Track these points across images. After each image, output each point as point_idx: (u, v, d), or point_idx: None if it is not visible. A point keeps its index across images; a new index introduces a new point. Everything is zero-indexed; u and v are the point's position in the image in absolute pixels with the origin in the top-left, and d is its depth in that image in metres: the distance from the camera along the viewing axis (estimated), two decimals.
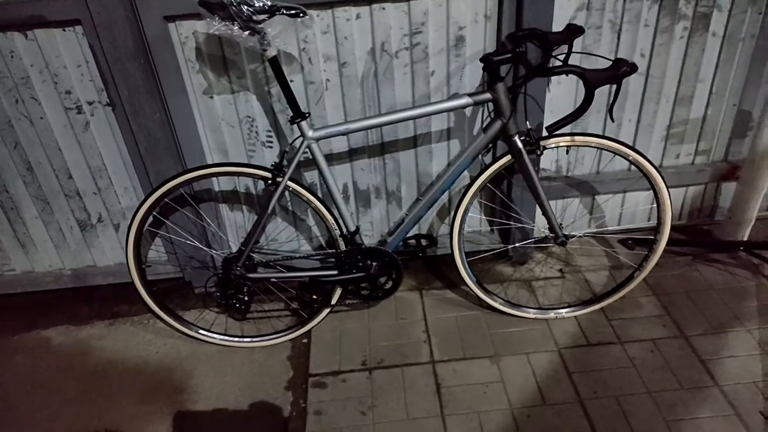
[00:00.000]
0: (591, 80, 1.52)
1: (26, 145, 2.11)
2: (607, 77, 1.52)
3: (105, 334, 2.31)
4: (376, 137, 2.18)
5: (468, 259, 2.10)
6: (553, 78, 2.10)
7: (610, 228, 2.48)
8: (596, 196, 2.41)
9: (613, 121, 1.71)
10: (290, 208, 2.34)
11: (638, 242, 2.45)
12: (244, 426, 1.88)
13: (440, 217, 2.44)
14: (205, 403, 1.97)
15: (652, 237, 2.02)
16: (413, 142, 2.21)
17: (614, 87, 1.58)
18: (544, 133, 1.90)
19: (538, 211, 2.27)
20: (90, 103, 2.03)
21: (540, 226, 2.19)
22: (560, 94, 2.14)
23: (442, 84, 2.08)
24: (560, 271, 2.41)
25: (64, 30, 1.88)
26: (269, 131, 2.14)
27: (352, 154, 2.22)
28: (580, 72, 1.52)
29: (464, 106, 1.76)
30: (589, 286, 2.31)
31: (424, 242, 2.19)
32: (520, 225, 2.29)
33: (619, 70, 1.51)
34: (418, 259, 2.49)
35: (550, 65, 1.59)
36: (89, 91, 2.00)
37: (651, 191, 1.95)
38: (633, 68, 1.51)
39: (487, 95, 1.74)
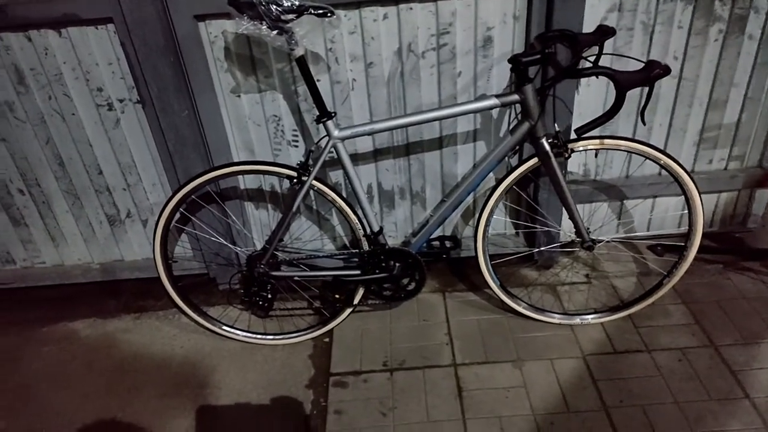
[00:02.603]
0: (622, 82, 1.48)
1: (58, 141, 2.15)
2: (639, 79, 1.49)
3: (131, 328, 2.34)
4: (401, 138, 2.18)
5: (492, 262, 2.08)
6: (583, 80, 2.07)
7: (638, 234, 2.43)
8: (625, 201, 2.36)
9: (644, 124, 1.68)
10: (314, 207, 2.34)
11: (667, 249, 2.40)
12: (266, 423, 1.89)
13: (464, 219, 2.42)
14: (227, 399, 1.99)
15: (682, 244, 1.97)
16: (439, 143, 2.20)
17: (646, 90, 1.55)
18: (572, 136, 1.87)
19: (565, 214, 2.24)
20: (121, 101, 2.06)
21: (566, 230, 2.16)
22: (589, 97, 2.11)
23: (468, 85, 2.06)
24: (586, 276, 2.37)
25: (96, 28, 1.91)
26: (295, 130, 2.15)
27: (377, 155, 2.22)
28: (611, 74, 1.49)
29: (491, 108, 1.74)
30: (616, 293, 2.27)
31: (448, 244, 2.18)
32: (545, 228, 2.26)
33: (652, 73, 1.48)
34: (442, 260, 2.47)
35: (580, 67, 1.56)
36: (120, 89, 2.04)
37: (682, 197, 1.90)
38: (666, 71, 1.47)
39: (515, 97, 1.72)
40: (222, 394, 2.01)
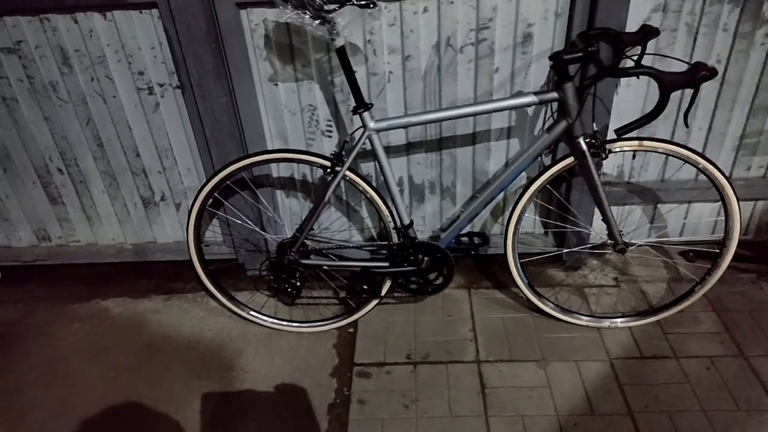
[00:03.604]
0: (667, 83, 1.46)
1: (98, 122, 2.20)
2: (684, 81, 1.46)
3: (161, 309, 2.39)
4: (434, 132, 2.17)
5: (520, 261, 2.07)
6: (623, 80, 2.04)
7: (671, 239, 2.39)
8: (659, 205, 2.33)
9: (687, 126, 1.65)
10: (344, 198, 2.35)
11: (700, 255, 2.36)
12: (290, 408, 1.92)
13: (493, 216, 2.41)
14: (253, 383, 2.02)
15: (715, 251, 1.94)
16: (472, 139, 2.19)
17: (687, 91, 1.52)
18: (610, 136, 1.85)
19: (596, 216, 2.22)
20: (161, 85, 2.10)
21: (598, 231, 2.14)
22: (629, 97, 2.08)
23: (505, 81, 2.05)
24: (615, 279, 2.34)
25: (141, 12, 1.95)
26: (329, 121, 2.16)
27: (409, 148, 2.22)
28: (655, 74, 1.47)
29: (529, 105, 1.73)
30: (646, 297, 2.24)
31: (476, 240, 2.17)
32: (576, 229, 2.24)
33: (698, 74, 1.45)
34: (470, 256, 2.47)
35: (623, 66, 1.54)
36: (161, 73, 2.07)
37: (717, 203, 1.87)
38: (712, 73, 1.45)
39: (554, 94, 1.71)
40: (248, 378, 2.04)
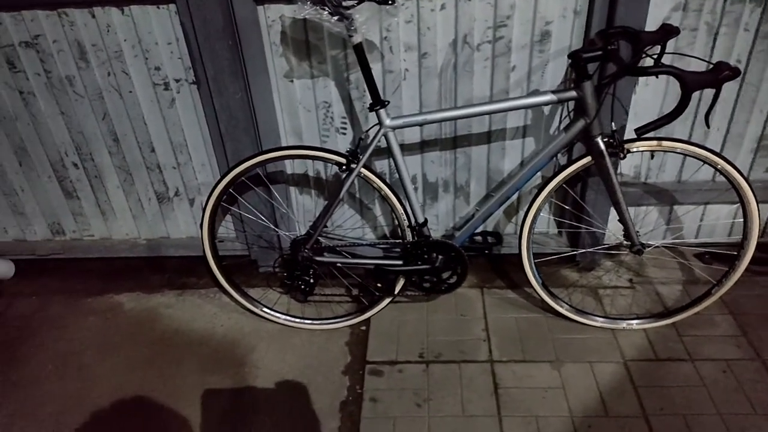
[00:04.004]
0: (689, 83, 1.45)
1: (114, 117, 2.20)
2: (706, 81, 1.45)
3: (173, 304, 2.40)
4: (449, 130, 2.16)
5: (534, 261, 2.06)
6: (641, 79, 2.02)
7: (688, 240, 2.37)
8: (675, 206, 2.30)
9: (708, 127, 1.63)
10: (358, 195, 2.35)
11: (716, 257, 2.34)
12: (303, 405, 1.92)
13: (507, 216, 2.40)
14: (265, 379, 2.02)
15: (732, 253, 1.92)
16: (487, 137, 2.18)
17: (706, 91, 1.50)
18: (627, 136, 1.83)
19: (612, 216, 2.21)
20: (177, 81, 2.10)
21: (613, 232, 2.13)
22: (646, 97, 2.06)
23: (522, 80, 2.04)
24: (630, 281, 2.32)
25: (158, 7, 1.95)
26: (344, 118, 2.16)
27: (423, 146, 2.21)
28: (678, 73, 1.45)
29: (548, 103, 1.72)
30: (661, 299, 2.22)
31: (490, 239, 2.16)
32: (591, 229, 2.22)
33: (720, 74, 1.43)
34: (482, 256, 2.46)
35: (644, 65, 1.52)
36: (177, 69, 2.07)
37: (734, 205, 1.85)
38: (735, 73, 1.43)
39: (573, 93, 1.69)
40: (260, 374, 2.04)
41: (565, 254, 2.35)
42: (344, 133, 2.19)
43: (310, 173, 2.30)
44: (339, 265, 2.09)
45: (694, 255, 2.40)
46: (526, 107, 1.75)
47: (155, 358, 2.15)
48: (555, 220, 2.38)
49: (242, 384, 2.01)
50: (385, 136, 1.82)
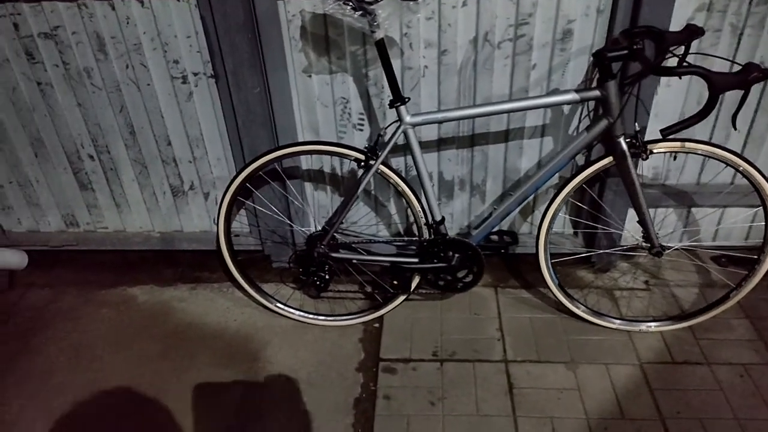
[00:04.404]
0: (717, 84, 1.43)
1: (131, 110, 2.20)
2: (735, 82, 1.43)
3: (186, 297, 2.40)
4: (467, 128, 2.15)
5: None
6: (662, 81, 2.01)
7: (707, 243, 2.35)
8: (692, 209, 2.29)
9: (735, 129, 1.61)
10: (373, 192, 2.34)
11: (732, 261, 2.32)
12: (316, 401, 1.91)
13: (522, 215, 2.38)
14: (278, 375, 2.02)
15: (749, 257, 1.90)
16: (505, 136, 2.16)
17: (729, 93, 1.49)
18: (648, 137, 1.81)
19: (630, 217, 2.19)
20: (195, 74, 2.09)
21: (632, 233, 2.11)
22: (668, 98, 2.04)
23: (542, 78, 2.03)
24: (646, 283, 2.31)
25: (178, 0, 1.94)
26: (362, 114, 2.15)
27: (440, 144, 2.20)
28: (706, 74, 1.44)
29: (570, 102, 1.71)
30: (677, 302, 2.20)
31: (506, 239, 2.15)
32: (609, 230, 2.20)
33: (749, 76, 1.42)
34: (496, 255, 2.44)
35: (671, 65, 1.51)
36: (196, 63, 2.07)
37: (753, 209, 1.83)
38: (765, 74, 1.41)
39: (596, 93, 1.68)
40: (274, 369, 2.04)
41: (583, 255, 2.33)
42: (361, 130, 2.18)
43: (326, 169, 2.29)
44: (354, 261, 2.08)
45: (710, 258, 2.38)
46: (549, 106, 1.74)
47: (168, 351, 2.15)
48: (571, 220, 2.37)
49: (256, 379, 2.00)
50: (405, 133, 1.81)
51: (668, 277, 2.33)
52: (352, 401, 1.91)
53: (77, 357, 2.14)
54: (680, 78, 1.94)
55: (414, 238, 2.04)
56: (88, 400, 1.96)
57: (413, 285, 2.09)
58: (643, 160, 1.75)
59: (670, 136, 1.66)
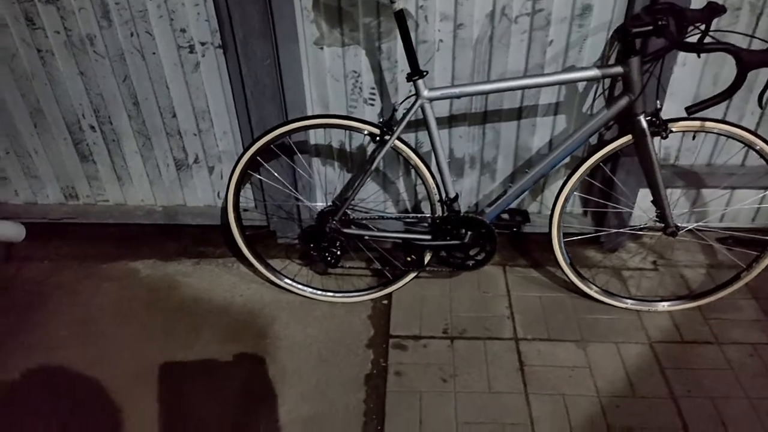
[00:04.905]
0: (746, 61, 1.41)
1: (135, 80, 2.14)
2: (763, 60, 1.41)
3: (191, 272, 2.36)
4: (479, 105, 2.12)
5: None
6: (679, 59, 1.98)
7: (720, 224, 2.34)
8: (702, 190, 2.28)
9: (762, 108, 1.60)
10: (382, 168, 2.30)
11: (739, 242, 2.32)
12: (327, 377, 1.90)
13: (532, 194, 2.37)
14: (287, 351, 2.00)
15: (759, 238, 1.91)
16: (518, 113, 2.13)
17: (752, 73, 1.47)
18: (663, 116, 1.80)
19: (641, 197, 2.19)
20: (203, 44, 2.03)
21: (645, 212, 2.10)
22: (683, 76, 2.02)
23: (559, 55, 1.99)
24: (654, 263, 2.31)
25: None
26: (373, 89, 2.10)
27: (452, 121, 2.16)
28: (735, 51, 1.41)
29: (592, 79, 1.68)
30: (685, 282, 2.21)
31: (518, 218, 2.13)
32: (623, 210, 2.19)
33: None
34: (507, 234, 2.43)
35: (698, 41, 1.48)
36: (203, 32, 2.00)
37: (761, 191, 1.82)
38: None
39: (619, 69, 1.65)
40: (282, 345, 2.02)
41: (594, 235, 2.32)
42: (372, 104, 2.14)
43: (335, 144, 2.25)
44: (366, 238, 2.05)
45: (716, 239, 2.38)
46: (570, 82, 1.71)
47: (174, 326, 2.12)
48: (581, 199, 2.35)
49: (265, 354, 1.99)
50: (422, 107, 1.77)
51: (676, 258, 2.33)
52: (363, 377, 1.90)
53: (80, 332, 2.11)
54: (698, 56, 1.92)
55: (427, 215, 2.02)
56: (93, 376, 1.93)
57: (426, 261, 2.07)
58: (663, 138, 1.73)
59: (690, 116, 1.65)
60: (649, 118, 1.71)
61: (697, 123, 1.72)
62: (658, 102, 1.70)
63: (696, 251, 2.36)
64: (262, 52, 1.95)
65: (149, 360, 1.98)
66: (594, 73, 1.66)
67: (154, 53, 2.07)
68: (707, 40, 1.60)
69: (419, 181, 2.31)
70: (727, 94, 1.47)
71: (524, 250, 2.41)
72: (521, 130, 2.18)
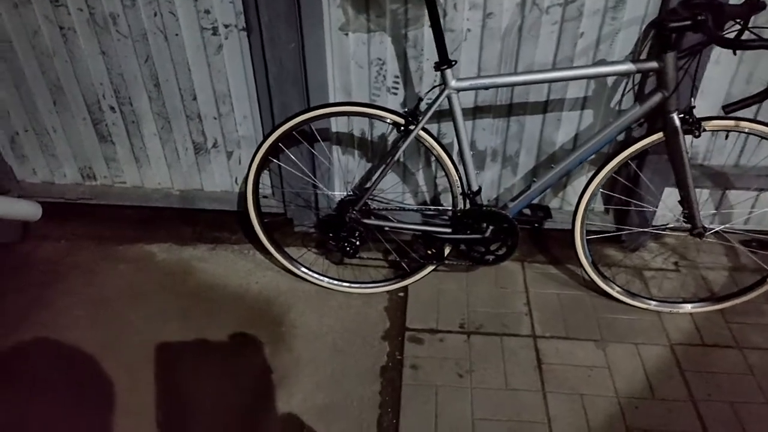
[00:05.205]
0: None
1: (157, 61, 2.11)
2: None
3: (207, 258, 2.35)
4: (505, 97, 2.08)
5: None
6: (712, 57, 1.93)
7: (740, 227, 2.30)
8: (728, 191, 2.24)
9: None
10: (402, 159, 2.27)
11: (763, 245, 2.28)
12: (342, 368, 1.89)
13: (553, 191, 2.33)
14: (303, 340, 1.98)
15: None
16: (544, 107, 2.09)
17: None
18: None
19: (667, 196, 2.15)
20: (226, 26, 2.00)
21: (670, 212, 2.07)
22: (714, 75, 1.97)
23: (589, 48, 1.95)
24: (675, 264, 2.27)
25: None
26: (397, 77, 2.07)
27: (476, 112, 2.13)
28: None
29: (627, 73, 1.65)
30: (706, 284, 2.18)
31: (539, 213, 2.10)
32: (643, 209, 2.15)
33: None
34: (530, 229, 2.40)
35: (743, 38, 1.44)
36: (228, 14, 1.97)
37: None
38: None
39: (654, 64, 1.61)
40: (298, 334, 2.01)
41: (614, 233, 2.28)
42: (395, 93, 2.11)
43: (356, 132, 2.22)
44: (386, 229, 2.03)
45: (740, 241, 2.34)
46: (604, 75, 1.67)
47: (190, 310, 2.11)
48: (603, 197, 2.32)
49: (281, 343, 1.97)
50: (449, 97, 1.74)
51: (698, 259, 2.29)
52: (378, 369, 1.88)
53: (96, 313, 2.10)
54: (734, 53, 1.86)
55: (449, 208, 1.99)
56: (109, 356, 1.93)
57: (446, 254, 2.04)
58: (696, 137, 1.69)
59: (724, 115, 1.61)
60: (682, 115, 1.67)
61: (732, 122, 1.68)
62: (692, 100, 1.65)
63: (718, 253, 2.32)
64: (287, 36, 1.92)
65: (163, 344, 1.97)
66: (628, 67, 1.62)
67: (177, 34, 2.04)
68: (746, 36, 1.57)
69: (440, 173, 2.27)
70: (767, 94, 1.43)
71: (543, 246, 2.38)
72: (546, 124, 2.14)
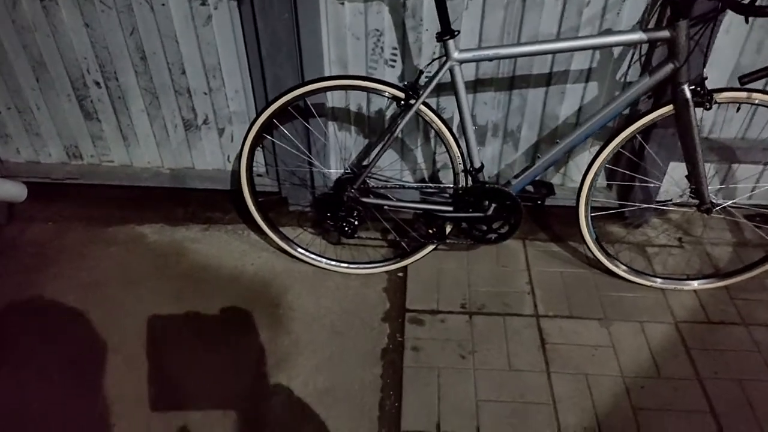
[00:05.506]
0: None
1: (143, 33, 2.01)
2: None
3: (200, 238, 2.28)
4: (507, 70, 2.01)
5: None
6: (722, 27, 1.86)
7: (745, 201, 2.25)
8: (733, 165, 2.19)
9: None
10: (400, 135, 2.20)
11: (766, 221, 2.25)
12: (342, 350, 1.84)
13: (556, 166, 2.27)
14: (301, 321, 1.94)
15: None
16: (547, 79, 2.02)
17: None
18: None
19: (672, 171, 2.10)
20: None
21: (675, 187, 2.02)
22: (723, 45, 1.90)
23: (595, 17, 1.87)
24: (679, 240, 2.23)
25: None
26: (395, 49, 1.98)
27: (477, 85, 2.05)
28: None
29: (637, 42, 1.58)
30: (711, 261, 2.14)
31: (543, 190, 2.04)
32: (648, 184, 2.10)
33: None
34: (532, 206, 2.34)
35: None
36: None
37: None
38: None
39: (665, 33, 1.54)
40: (296, 316, 1.96)
41: (617, 210, 2.23)
42: (393, 66, 2.02)
43: (352, 107, 2.14)
44: (386, 208, 1.97)
45: (744, 216, 2.30)
46: (613, 45, 1.61)
47: (183, 292, 2.05)
48: (606, 172, 2.26)
49: (278, 325, 1.92)
50: (451, 70, 1.66)
51: (702, 235, 2.25)
52: (379, 351, 1.84)
53: (86, 297, 2.04)
54: (746, 21, 1.80)
55: (450, 185, 1.92)
56: (101, 340, 1.87)
57: (447, 233, 1.99)
58: (706, 110, 1.63)
59: (737, 87, 1.55)
60: (693, 87, 1.60)
61: (744, 94, 1.62)
62: (704, 70, 1.59)
63: (722, 228, 2.28)
64: (280, 6, 1.83)
65: (157, 327, 1.92)
66: (639, 36, 1.55)
67: (163, 4, 1.94)
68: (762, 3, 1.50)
69: (440, 150, 2.21)
70: None
71: (545, 224, 2.33)
72: (549, 98, 2.07)
